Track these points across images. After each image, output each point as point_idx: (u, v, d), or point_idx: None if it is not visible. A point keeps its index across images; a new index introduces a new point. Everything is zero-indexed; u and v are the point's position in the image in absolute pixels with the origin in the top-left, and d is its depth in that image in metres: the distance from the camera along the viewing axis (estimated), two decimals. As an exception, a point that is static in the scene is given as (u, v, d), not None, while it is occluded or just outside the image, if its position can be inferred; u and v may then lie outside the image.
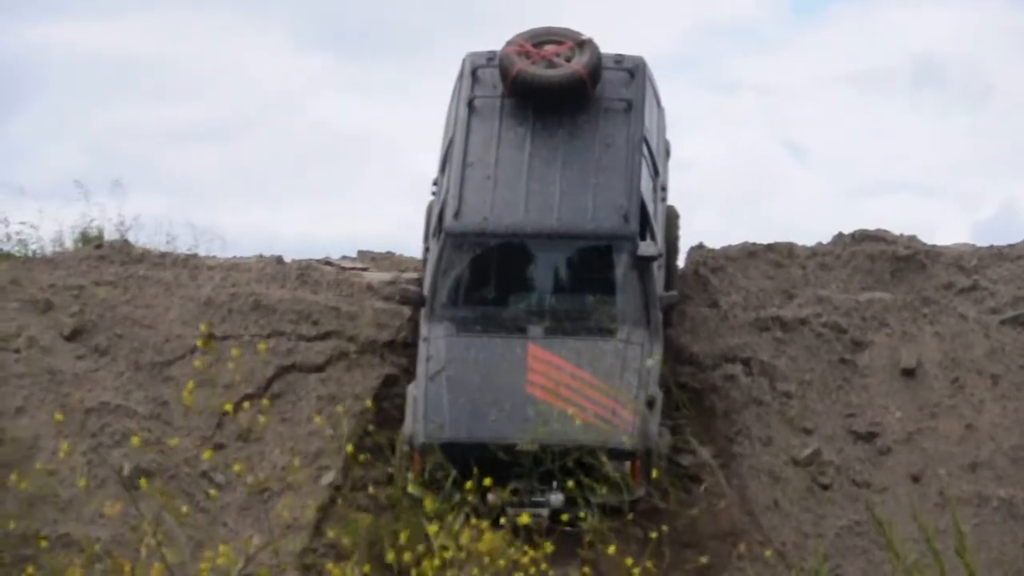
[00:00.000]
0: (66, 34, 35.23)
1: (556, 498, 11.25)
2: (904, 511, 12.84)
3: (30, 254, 16.24)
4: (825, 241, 15.63)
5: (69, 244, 16.57)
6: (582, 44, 13.68)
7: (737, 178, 34.92)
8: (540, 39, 13.76)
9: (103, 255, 15.36)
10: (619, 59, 13.86)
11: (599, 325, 12.54)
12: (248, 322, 14.51)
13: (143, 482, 11.85)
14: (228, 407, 11.49)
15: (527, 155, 13.30)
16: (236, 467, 12.64)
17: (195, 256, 15.87)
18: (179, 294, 14.78)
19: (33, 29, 35.60)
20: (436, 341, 12.62)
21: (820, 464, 13.56)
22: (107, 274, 14.98)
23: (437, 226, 13.42)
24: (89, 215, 16.86)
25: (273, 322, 14.54)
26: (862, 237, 15.46)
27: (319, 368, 14.28)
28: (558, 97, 13.47)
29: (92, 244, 15.98)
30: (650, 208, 13.38)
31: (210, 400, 13.30)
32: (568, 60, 13.60)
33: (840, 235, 15.56)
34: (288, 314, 14.59)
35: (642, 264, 12.76)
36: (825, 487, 13.46)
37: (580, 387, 11.91)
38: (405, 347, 14.36)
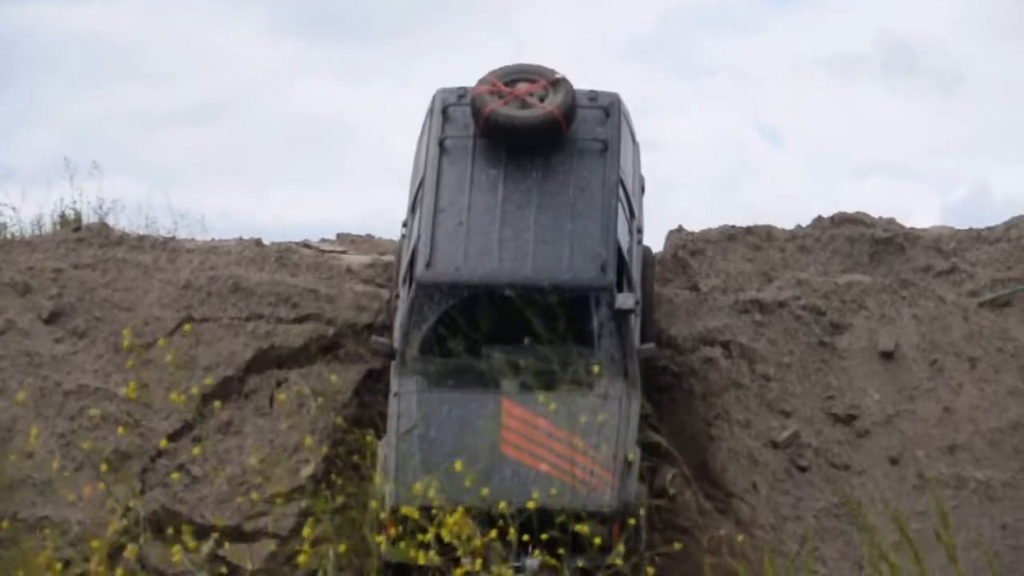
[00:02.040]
0: (44, 16, 35.11)
1: (531, 563, 10.65)
2: (882, 493, 12.90)
3: (8, 236, 16.18)
4: (804, 224, 15.64)
5: (48, 227, 16.52)
6: (556, 83, 13.25)
7: (712, 162, 34.98)
8: (513, 77, 13.34)
9: (81, 238, 15.32)
10: (593, 96, 13.44)
11: (576, 379, 11.88)
12: (227, 305, 14.48)
13: (105, 466, 11.79)
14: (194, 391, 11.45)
15: (500, 199, 12.87)
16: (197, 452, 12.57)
17: (174, 239, 15.84)
18: (158, 277, 14.74)
19: (11, 10, 35.52)
20: (407, 396, 12.15)
21: (798, 446, 13.59)
22: (85, 257, 14.95)
23: (408, 274, 12.96)
24: (69, 197, 16.80)
25: (252, 305, 14.52)
26: (841, 220, 15.47)
27: (298, 351, 14.27)
28: (531, 138, 13.06)
29: (71, 227, 15.95)
30: (627, 253, 12.98)
31: (189, 383, 13.32)
32: (541, 99, 13.17)
33: (819, 218, 15.57)
34: (267, 297, 14.57)
35: (620, 316, 12.35)
36: (803, 469, 13.49)
37: (556, 446, 11.31)
38: (384, 330, 14.37)
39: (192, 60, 35.40)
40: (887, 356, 14.10)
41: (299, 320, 14.49)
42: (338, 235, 16.47)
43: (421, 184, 13.18)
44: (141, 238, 15.55)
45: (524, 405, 11.82)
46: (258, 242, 15.50)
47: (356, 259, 15.40)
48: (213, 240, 15.85)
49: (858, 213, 15.55)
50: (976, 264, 14.87)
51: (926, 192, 36.69)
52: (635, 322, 12.77)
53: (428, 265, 12.51)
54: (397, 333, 12.73)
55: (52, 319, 14.35)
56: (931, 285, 14.67)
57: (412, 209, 13.46)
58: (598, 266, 12.46)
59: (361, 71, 36.86)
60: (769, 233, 15.56)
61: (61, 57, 35.58)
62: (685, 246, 15.35)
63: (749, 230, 15.63)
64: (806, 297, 14.58)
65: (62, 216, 16.56)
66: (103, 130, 34.38)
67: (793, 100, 35.77)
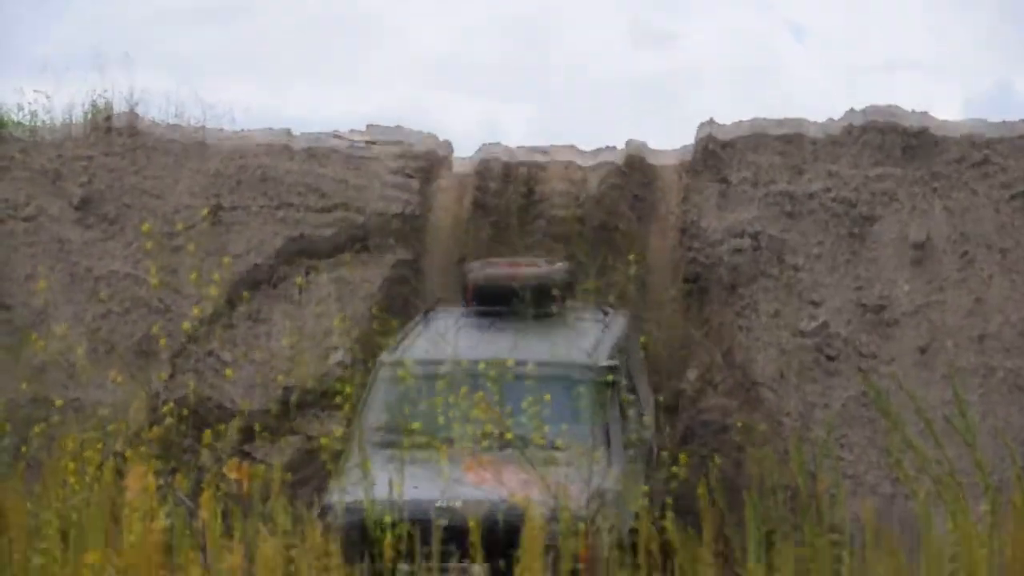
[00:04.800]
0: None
1: (476, 571, 9.17)
2: (911, 383, 12.88)
3: (39, 124, 16.20)
4: (836, 117, 15.49)
5: (79, 116, 16.52)
6: (554, 262, 12.90)
7: (734, 56, 34.83)
8: (512, 261, 12.98)
9: (111, 128, 15.32)
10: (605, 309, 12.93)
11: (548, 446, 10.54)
12: (256, 194, 14.50)
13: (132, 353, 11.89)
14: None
15: (483, 333, 12.15)
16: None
17: (202, 130, 15.80)
18: (187, 166, 14.75)
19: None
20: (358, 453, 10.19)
21: (827, 336, 13.58)
22: (115, 146, 14.96)
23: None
24: (99, 88, 16.78)
25: (281, 194, 14.53)
26: (873, 113, 15.32)
27: (327, 241, 14.31)
28: (522, 298, 12.03)
29: (101, 116, 15.94)
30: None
31: (218, 270, 13.38)
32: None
33: (851, 111, 15.42)
34: (296, 186, 14.57)
35: (602, 392, 11.32)
36: (832, 359, 13.49)
37: (525, 476, 9.57)
38: (414, 219, 14.41)
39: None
40: (918, 248, 14.04)
41: (328, 210, 14.49)
42: (367, 126, 16.41)
43: None
44: (170, 128, 15.55)
45: (490, 455, 10.46)
46: (287, 133, 15.48)
47: (385, 150, 15.36)
48: (242, 131, 15.83)
49: (890, 106, 15.39)
50: (1008, 157, 14.72)
51: (948, 86, 36.41)
52: (618, 402, 11.72)
53: (395, 350, 11.86)
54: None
55: (82, 206, 14.41)
56: (963, 178, 14.55)
57: None
58: (584, 352, 11.66)
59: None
60: (800, 126, 15.42)
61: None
62: (716, 138, 15.24)
63: (780, 123, 15.49)
64: (837, 190, 14.49)
65: (93, 106, 16.54)
66: (128, 25, 34.32)
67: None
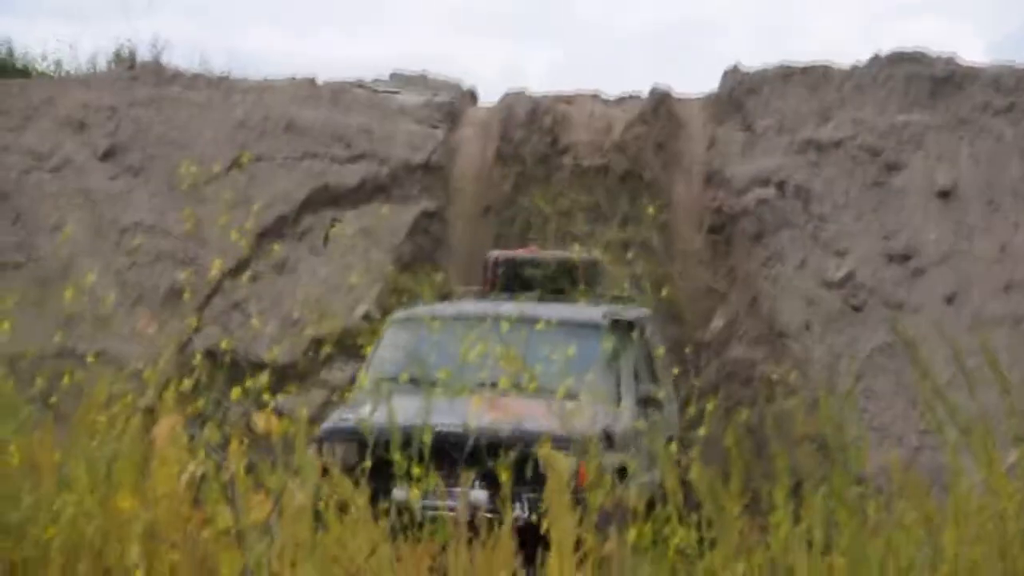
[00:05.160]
0: None
1: (478, 495, 9.32)
2: (937, 332, 12.83)
3: (64, 74, 16.21)
4: (861, 62, 15.37)
5: (103, 64, 16.53)
6: (580, 252, 12.53)
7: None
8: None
9: (135, 76, 15.33)
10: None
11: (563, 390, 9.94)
12: (281, 143, 14.49)
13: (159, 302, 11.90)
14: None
15: (500, 304, 11.47)
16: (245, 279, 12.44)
17: (227, 78, 15.79)
18: (212, 115, 14.75)
19: None
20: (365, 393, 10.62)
21: (853, 286, 13.54)
22: (140, 95, 14.96)
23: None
24: (123, 35, 16.80)
25: (306, 143, 14.52)
26: (898, 58, 15.20)
27: (352, 191, 14.28)
28: (544, 278, 12.00)
29: (125, 64, 15.94)
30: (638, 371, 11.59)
31: (244, 221, 13.38)
32: None
33: (876, 56, 15.29)
34: (321, 135, 14.56)
35: (616, 347, 11.10)
36: (858, 308, 13.45)
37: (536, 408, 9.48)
38: (438, 168, 14.37)
39: None
40: (944, 195, 13.97)
41: (353, 159, 14.47)
42: (391, 74, 16.36)
43: None
44: (195, 76, 15.55)
45: (500, 395, 9.99)
46: (312, 81, 15.44)
47: (409, 98, 15.34)
48: (267, 79, 15.81)
49: (916, 50, 15.26)
50: (1035, 102, 14.63)
51: (970, 27, 36.16)
52: (631, 360, 11.59)
53: (408, 308, 11.63)
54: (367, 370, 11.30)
55: (107, 156, 14.41)
56: (989, 123, 14.44)
57: None
58: (598, 313, 11.51)
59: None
60: (826, 72, 15.28)
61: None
62: (741, 84, 15.16)
63: (806, 69, 15.37)
64: (863, 136, 14.41)
65: (117, 54, 16.56)
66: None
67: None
